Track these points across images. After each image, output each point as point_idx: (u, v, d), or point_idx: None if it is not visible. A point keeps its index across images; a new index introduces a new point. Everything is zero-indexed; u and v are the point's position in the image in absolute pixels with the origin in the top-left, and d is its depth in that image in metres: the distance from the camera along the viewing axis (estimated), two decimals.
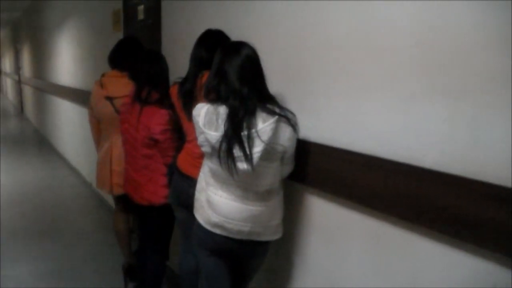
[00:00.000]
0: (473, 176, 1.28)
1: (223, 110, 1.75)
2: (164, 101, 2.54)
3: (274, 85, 1.92)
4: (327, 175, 1.83)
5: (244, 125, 1.70)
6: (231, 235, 1.88)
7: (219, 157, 1.74)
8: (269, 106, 1.75)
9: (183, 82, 2.25)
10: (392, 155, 1.54)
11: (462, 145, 1.31)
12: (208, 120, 1.77)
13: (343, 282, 1.84)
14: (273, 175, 1.83)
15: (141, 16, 3.83)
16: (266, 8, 2.13)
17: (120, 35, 4.15)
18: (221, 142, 1.72)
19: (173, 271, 3.28)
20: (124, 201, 3.07)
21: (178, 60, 2.82)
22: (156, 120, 2.49)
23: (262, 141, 1.69)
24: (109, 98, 3.03)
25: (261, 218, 1.86)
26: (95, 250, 4.14)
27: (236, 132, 1.70)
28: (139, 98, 2.59)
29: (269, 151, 1.73)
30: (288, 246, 2.12)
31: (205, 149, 1.85)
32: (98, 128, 3.28)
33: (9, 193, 5.81)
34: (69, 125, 7.01)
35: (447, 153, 1.36)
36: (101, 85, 3.10)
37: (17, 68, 15.03)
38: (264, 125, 1.69)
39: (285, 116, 1.76)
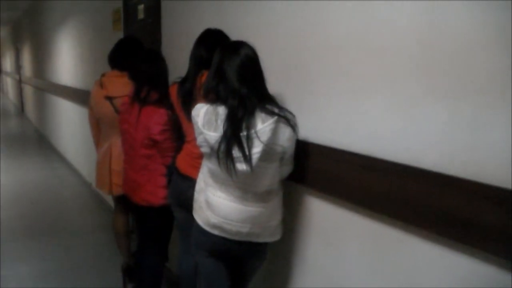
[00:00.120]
0: (472, 178, 1.28)
1: (222, 110, 1.74)
2: (163, 101, 2.53)
3: (273, 85, 1.91)
4: (327, 176, 1.82)
5: (243, 125, 1.69)
6: (230, 236, 1.87)
7: (218, 157, 1.73)
8: (269, 106, 1.74)
9: (183, 82, 2.24)
10: (391, 156, 1.53)
11: (462, 146, 1.31)
12: (207, 120, 1.76)
13: (342, 282, 1.83)
14: (272, 176, 1.83)
15: (141, 15, 3.83)
16: (266, 8, 2.13)
17: (120, 35, 4.15)
18: (220, 143, 1.71)
19: (172, 272, 3.28)
20: (124, 202, 3.06)
21: (178, 59, 2.81)
22: (155, 120, 2.49)
23: (261, 142, 1.68)
24: (109, 98, 3.02)
25: (260, 219, 1.85)
26: (94, 250, 4.13)
27: (235, 133, 1.69)
28: (138, 98, 2.58)
29: (268, 152, 1.72)
30: (287, 246, 2.11)
31: (204, 149, 1.84)
32: (98, 128, 3.28)
33: (9, 192, 5.81)
34: (70, 125, 7.01)
35: (446, 154, 1.35)
36: (101, 85, 3.09)
37: (18, 67, 15.04)
38: (263, 125, 1.68)
39: (285, 117, 1.75)
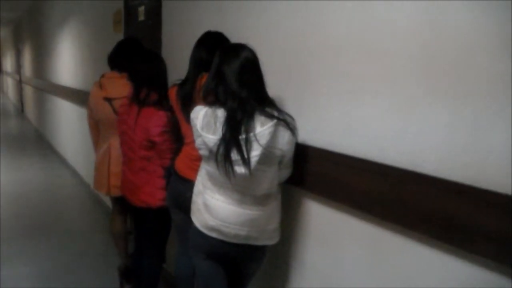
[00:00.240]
0: (472, 183, 1.27)
1: (221, 113, 1.73)
2: (162, 103, 2.53)
3: (273, 86, 1.91)
4: (325, 179, 1.81)
5: (242, 128, 1.68)
6: (227, 239, 1.87)
7: (216, 160, 1.72)
8: (268, 109, 1.74)
9: (182, 84, 2.23)
10: (390, 160, 1.52)
11: (462, 149, 1.30)
12: (206, 123, 1.76)
13: (339, 286, 1.82)
14: (271, 179, 1.82)
15: (141, 17, 3.83)
16: (266, 9, 2.12)
17: (120, 36, 4.15)
18: (218, 146, 1.70)
19: (170, 273, 3.26)
20: (122, 203, 3.06)
21: (178, 61, 2.81)
22: (154, 122, 2.48)
23: (260, 145, 1.67)
24: (108, 99, 3.02)
25: (259, 222, 1.84)
26: (92, 251, 4.12)
27: (234, 136, 1.68)
28: (137, 100, 2.57)
29: (267, 155, 1.71)
30: (285, 249, 2.10)
31: (203, 152, 1.83)
32: (97, 129, 3.27)
33: (8, 193, 5.80)
34: (69, 125, 7.00)
35: (446, 159, 1.35)
36: (100, 86, 3.09)
37: (18, 67, 15.05)
38: (262, 128, 1.68)
39: (284, 120, 1.74)
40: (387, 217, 1.54)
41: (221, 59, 1.79)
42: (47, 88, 9.00)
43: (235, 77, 1.73)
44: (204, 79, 2.03)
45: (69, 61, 6.79)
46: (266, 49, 2.01)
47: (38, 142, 9.99)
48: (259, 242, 1.90)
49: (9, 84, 20.23)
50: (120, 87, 2.91)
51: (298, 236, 2.03)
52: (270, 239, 1.93)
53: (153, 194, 2.59)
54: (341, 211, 1.78)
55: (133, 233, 3.22)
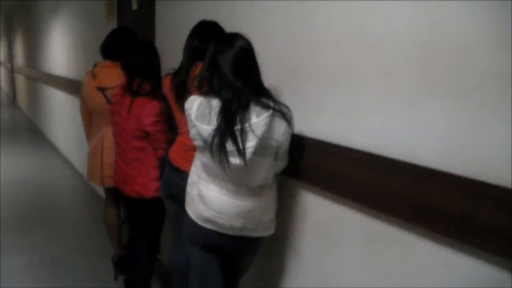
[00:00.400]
0: (472, 176, 1.26)
1: (216, 103, 1.71)
2: (155, 93, 2.50)
3: (269, 77, 1.88)
4: (322, 171, 1.80)
5: (237, 119, 1.66)
6: (222, 231, 1.85)
7: (211, 151, 1.70)
8: (264, 100, 1.71)
9: (176, 74, 2.21)
10: (389, 152, 1.51)
11: (462, 143, 1.29)
12: (200, 113, 1.73)
13: (336, 280, 1.81)
14: (266, 170, 1.80)
15: (134, 6, 3.79)
16: None
17: (113, 25, 4.11)
18: (213, 136, 1.68)
19: (164, 264, 3.26)
20: (115, 193, 3.04)
21: (172, 50, 2.77)
22: (147, 112, 2.45)
23: (256, 136, 1.65)
24: (101, 89, 2.98)
25: (254, 213, 1.83)
26: (85, 242, 4.11)
27: (229, 126, 1.66)
28: (130, 89, 2.55)
29: (262, 146, 1.69)
30: (281, 242, 2.09)
31: (197, 142, 1.81)
32: (89, 120, 3.24)
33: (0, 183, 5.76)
34: (62, 115, 6.96)
35: (446, 152, 1.33)
36: (93, 75, 3.05)
37: (10, 57, 14.92)
38: (258, 119, 1.66)
39: (280, 111, 1.72)
40: (385, 209, 1.53)
41: (215, 49, 1.76)
42: (39, 77, 8.93)
43: (230, 67, 1.71)
44: (198, 69, 2.00)
45: (61, 51, 6.73)
46: (262, 41, 1.99)
47: (30, 131, 9.92)
48: (254, 234, 1.89)
49: (1, 73, 20.05)
50: (113, 76, 2.88)
51: (294, 227, 2.02)
52: (265, 230, 1.91)
53: (147, 185, 2.57)
54: (338, 203, 1.76)
55: (127, 223, 3.20)
